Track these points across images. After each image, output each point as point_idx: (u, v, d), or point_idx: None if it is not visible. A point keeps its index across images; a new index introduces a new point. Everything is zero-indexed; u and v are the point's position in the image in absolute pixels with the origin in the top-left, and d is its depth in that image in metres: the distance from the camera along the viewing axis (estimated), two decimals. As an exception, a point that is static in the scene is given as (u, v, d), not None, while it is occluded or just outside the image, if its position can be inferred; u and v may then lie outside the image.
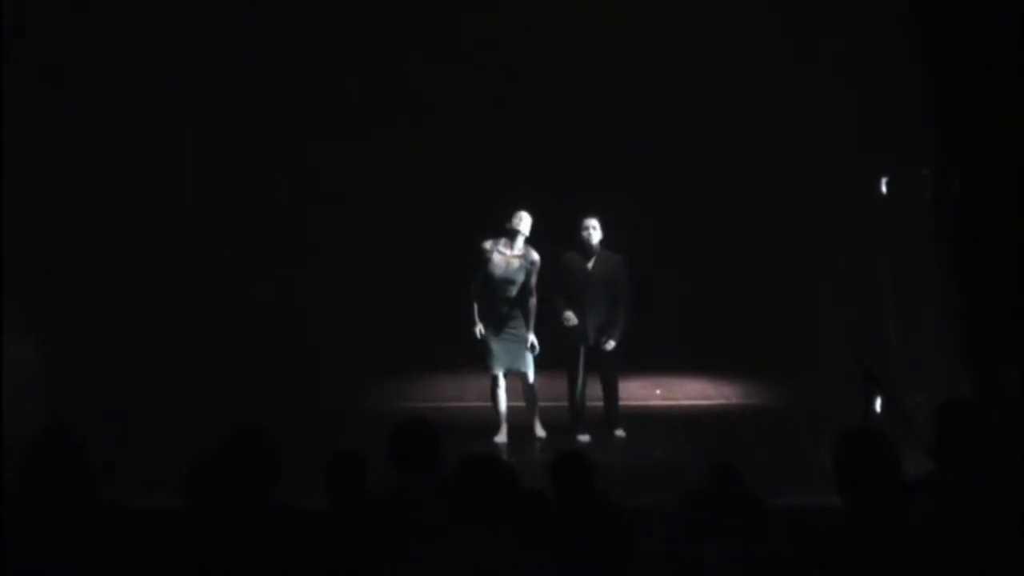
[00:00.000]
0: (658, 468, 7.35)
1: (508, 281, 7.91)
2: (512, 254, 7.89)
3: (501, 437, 8.05)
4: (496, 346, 7.97)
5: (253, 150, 10.11)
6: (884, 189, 8.76)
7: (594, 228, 8.04)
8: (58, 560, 3.38)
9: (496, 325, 7.96)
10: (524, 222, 7.90)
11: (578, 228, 8.05)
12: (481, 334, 7.94)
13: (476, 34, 10.12)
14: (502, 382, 8.07)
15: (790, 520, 4.01)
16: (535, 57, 10.19)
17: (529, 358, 7.99)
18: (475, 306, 7.95)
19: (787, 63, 9.69)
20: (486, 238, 7.95)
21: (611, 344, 8.04)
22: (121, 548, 3.43)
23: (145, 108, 9.34)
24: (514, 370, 8.04)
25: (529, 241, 7.94)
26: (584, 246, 8.07)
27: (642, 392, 9.35)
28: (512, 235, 7.89)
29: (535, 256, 7.93)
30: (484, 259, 7.91)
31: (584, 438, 8.05)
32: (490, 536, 3.34)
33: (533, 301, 7.95)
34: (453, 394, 9.44)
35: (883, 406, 7.27)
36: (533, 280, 7.93)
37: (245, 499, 3.52)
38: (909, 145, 8.07)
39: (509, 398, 8.10)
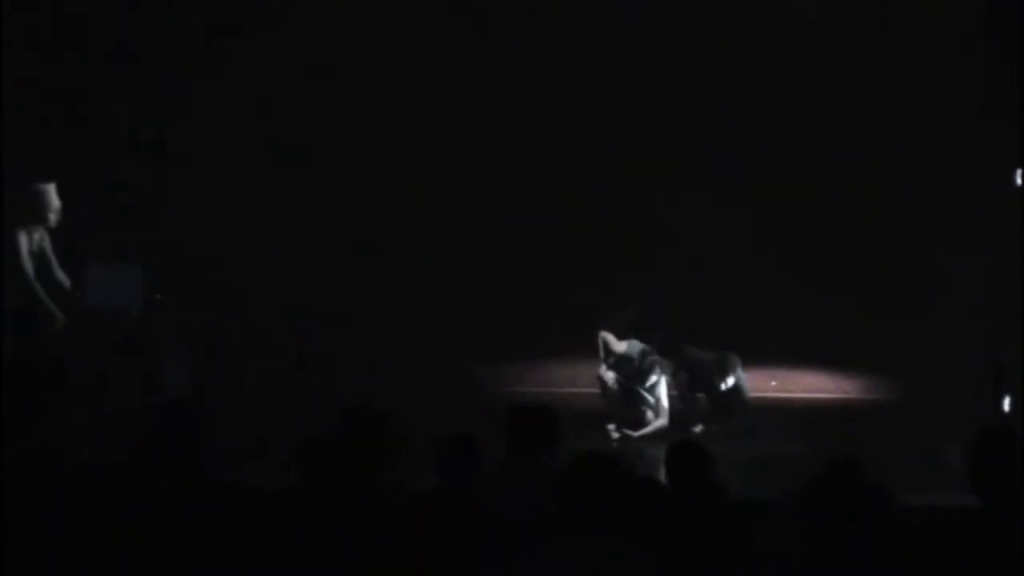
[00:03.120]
0: (773, 461, 7.24)
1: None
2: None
3: (613, 425, 8.02)
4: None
5: (384, 137, 10.24)
6: (1020, 181, 8.47)
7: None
8: (175, 538, 3.40)
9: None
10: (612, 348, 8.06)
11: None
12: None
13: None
14: (611, 375, 8.06)
15: (915, 519, 3.87)
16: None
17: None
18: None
19: (919, 50, 9.44)
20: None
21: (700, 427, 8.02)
22: (236, 527, 3.44)
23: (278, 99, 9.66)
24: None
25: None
26: None
27: (757, 383, 9.15)
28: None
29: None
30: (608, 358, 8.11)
31: (697, 428, 7.97)
32: (604, 538, 3.25)
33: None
34: (566, 380, 9.39)
35: (1012, 404, 7.02)
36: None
37: (361, 479, 3.53)
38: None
39: None
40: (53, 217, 7.60)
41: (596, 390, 8.28)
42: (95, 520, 3.35)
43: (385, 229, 10.38)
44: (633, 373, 8.00)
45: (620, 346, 8.08)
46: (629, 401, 8.06)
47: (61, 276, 7.68)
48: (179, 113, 9.75)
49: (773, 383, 9.50)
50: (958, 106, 9.22)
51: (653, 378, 7.97)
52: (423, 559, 3.58)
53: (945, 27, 9.24)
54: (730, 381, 8.04)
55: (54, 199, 7.59)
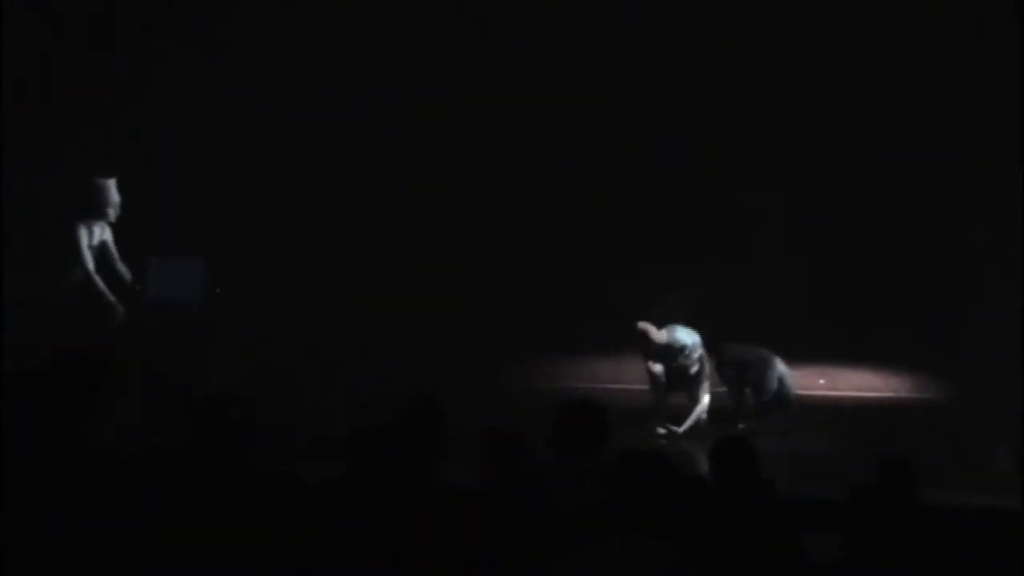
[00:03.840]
0: (821, 459, 7.24)
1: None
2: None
3: (659, 422, 8.03)
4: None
5: (439, 133, 10.32)
6: None
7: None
8: (221, 527, 3.45)
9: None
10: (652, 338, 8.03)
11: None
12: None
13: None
14: (659, 367, 8.06)
15: (965, 520, 3.87)
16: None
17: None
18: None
19: (957, 43, 9.40)
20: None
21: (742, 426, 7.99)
22: (283, 518, 3.48)
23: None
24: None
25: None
26: None
27: (804, 381, 9.13)
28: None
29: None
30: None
31: (740, 425, 7.94)
32: (652, 537, 3.27)
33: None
34: (612, 376, 9.40)
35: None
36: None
37: (412, 473, 3.57)
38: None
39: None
40: (113, 212, 7.78)
41: (642, 386, 8.28)
42: (143, 509, 3.41)
43: (435, 224, 10.45)
44: (677, 363, 7.99)
45: (661, 336, 8.07)
46: (675, 390, 8.07)
47: (122, 269, 7.85)
48: (233, 110, 9.88)
49: (822, 381, 9.47)
50: (1002, 99, 9.15)
51: (696, 367, 7.97)
52: (471, 555, 3.61)
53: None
54: (775, 382, 8.04)
55: (114, 194, 7.78)
